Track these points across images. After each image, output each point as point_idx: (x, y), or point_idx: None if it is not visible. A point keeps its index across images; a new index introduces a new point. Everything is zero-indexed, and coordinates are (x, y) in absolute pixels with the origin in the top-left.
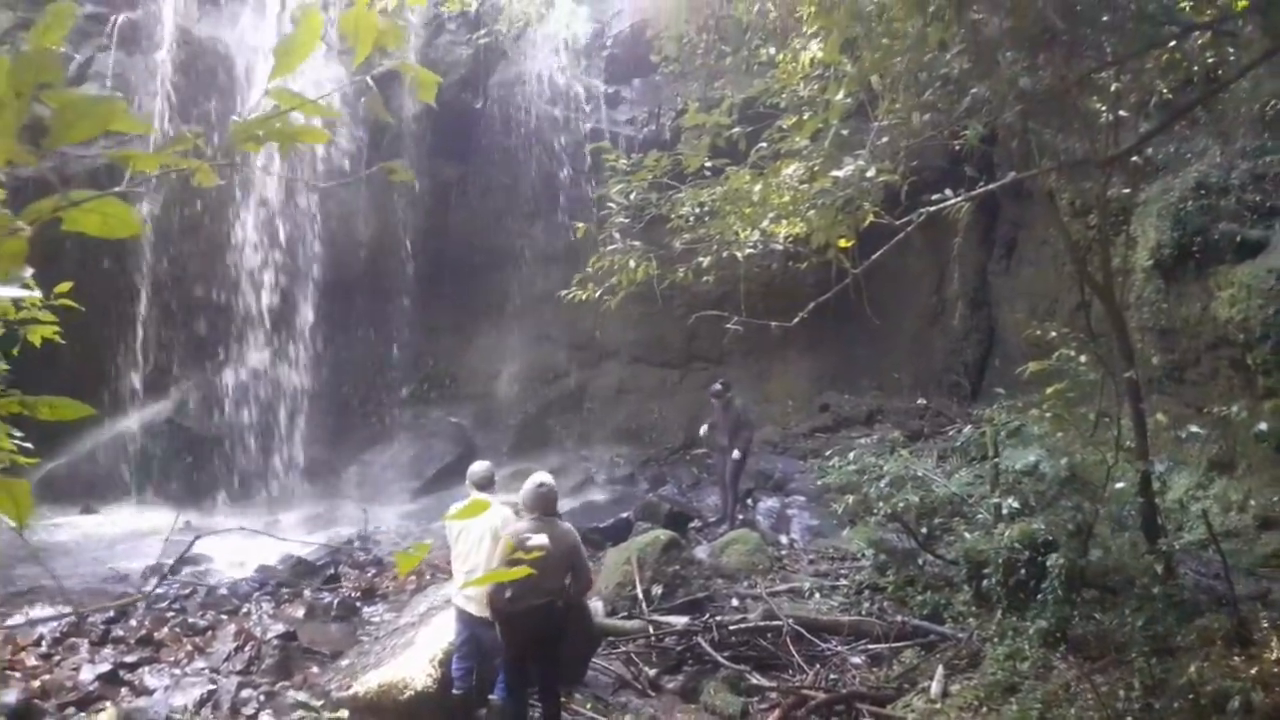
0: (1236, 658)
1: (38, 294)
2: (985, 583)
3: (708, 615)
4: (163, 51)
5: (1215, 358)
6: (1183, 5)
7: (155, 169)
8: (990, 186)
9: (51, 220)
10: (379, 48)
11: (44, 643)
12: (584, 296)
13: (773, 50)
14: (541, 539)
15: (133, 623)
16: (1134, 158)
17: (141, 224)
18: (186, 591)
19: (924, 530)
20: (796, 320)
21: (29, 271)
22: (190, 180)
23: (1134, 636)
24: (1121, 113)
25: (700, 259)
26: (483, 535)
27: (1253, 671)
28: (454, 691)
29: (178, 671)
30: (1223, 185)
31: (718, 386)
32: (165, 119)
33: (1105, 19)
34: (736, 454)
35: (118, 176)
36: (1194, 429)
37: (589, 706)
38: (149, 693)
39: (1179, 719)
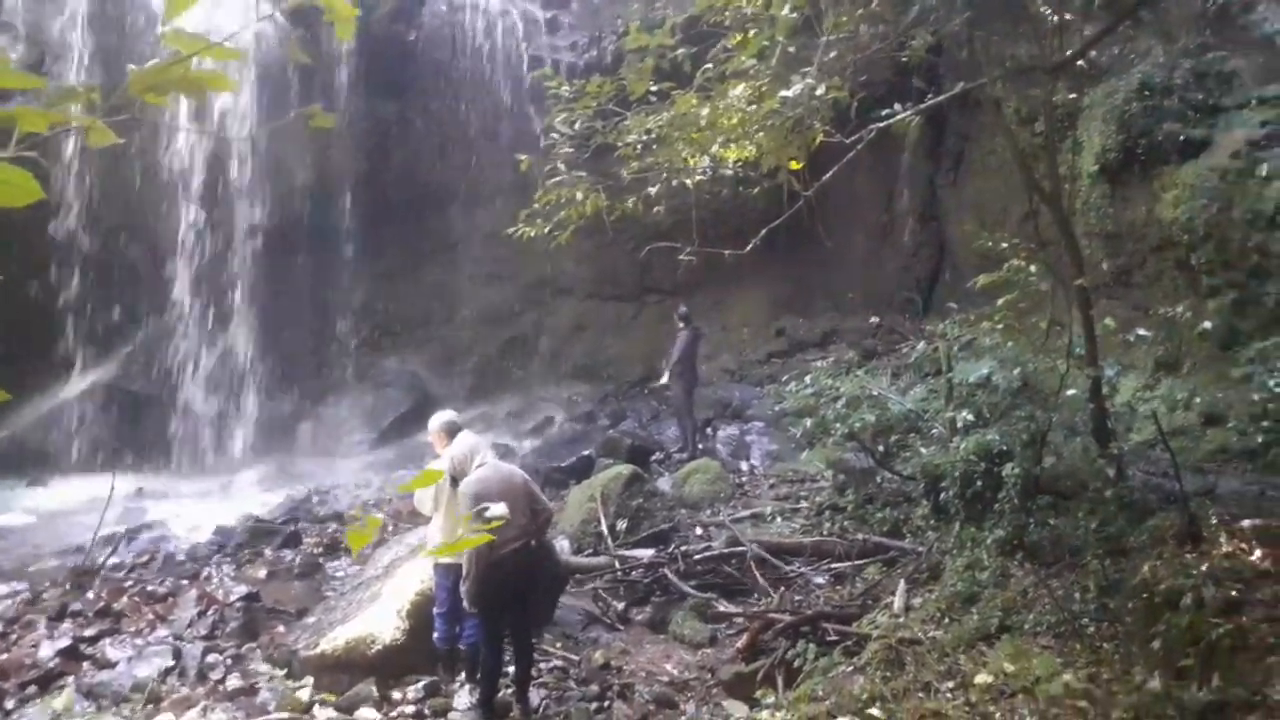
0: (1188, 554)
1: None
2: (943, 496)
3: (673, 546)
4: None
5: (1160, 259)
6: None
7: (44, 128)
8: (940, 98)
9: None
10: None
11: None
12: (532, 233)
13: None
14: (500, 509)
15: (90, 595)
16: (1080, 62)
17: (41, 190)
18: (144, 559)
19: (881, 448)
20: (749, 247)
21: None
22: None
23: (1088, 539)
24: (1067, 15)
25: (650, 188)
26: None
27: (1204, 567)
28: (437, 641)
29: (140, 641)
30: (1166, 85)
31: (681, 310)
32: (81, 68)
33: None
34: (670, 387)
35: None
36: (1141, 331)
37: (559, 645)
38: (111, 665)
39: (1133, 617)
